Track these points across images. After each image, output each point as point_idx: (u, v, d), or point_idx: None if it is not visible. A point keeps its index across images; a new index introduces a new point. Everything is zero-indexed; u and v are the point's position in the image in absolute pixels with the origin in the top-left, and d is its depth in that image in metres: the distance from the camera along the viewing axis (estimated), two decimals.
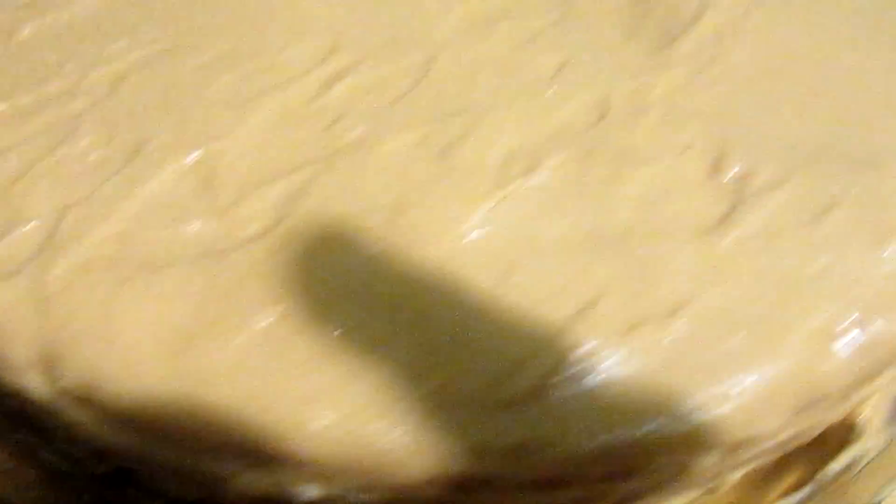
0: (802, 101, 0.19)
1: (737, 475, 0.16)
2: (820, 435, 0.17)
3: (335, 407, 0.13)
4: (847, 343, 0.14)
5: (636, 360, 0.14)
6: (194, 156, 0.16)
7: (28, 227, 0.15)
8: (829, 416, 0.16)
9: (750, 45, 0.20)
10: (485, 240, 0.15)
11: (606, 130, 0.17)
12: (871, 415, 0.18)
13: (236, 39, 0.19)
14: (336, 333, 0.14)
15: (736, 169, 0.17)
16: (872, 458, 0.18)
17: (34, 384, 0.14)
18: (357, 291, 0.14)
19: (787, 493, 0.17)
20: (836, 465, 0.17)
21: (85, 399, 0.14)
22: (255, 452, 0.13)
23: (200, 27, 0.20)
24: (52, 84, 0.18)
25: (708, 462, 0.14)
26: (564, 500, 0.14)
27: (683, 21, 0.21)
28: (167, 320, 0.14)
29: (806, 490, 0.17)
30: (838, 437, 0.18)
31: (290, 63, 0.19)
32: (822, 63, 0.20)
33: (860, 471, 0.18)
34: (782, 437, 0.15)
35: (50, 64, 0.19)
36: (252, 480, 0.13)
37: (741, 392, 0.14)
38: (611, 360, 0.14)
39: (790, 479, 0.17)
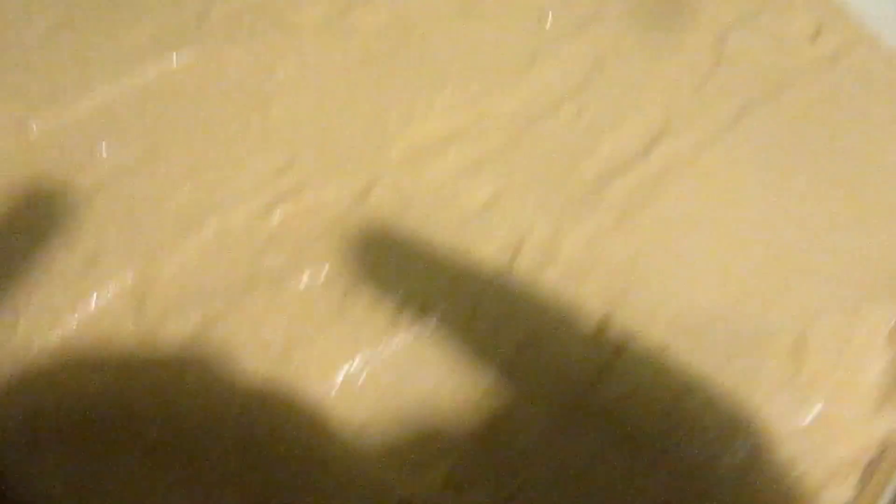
0: (708, 265, 0.20)
1: None
2: None
3: None
4: None
5: None
6: (134, 273, 0.19)
7: None
8: None
9: (680, 193, 0.21)
10: (361, 384, 0.18)
11: (508, 277, 0.19)
12: None
13: (208, 148, 0.22)
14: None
15: (618, 330, 0.18)
16: None
17: None
18: (238, 425, 0.17)
19: None
20: None
21: None
22: None
23: (182, 133, 0.22)
24: None
25: None
26: None
27: (623, 157, 0.22)
28: None
29: None
30: None
31: (245, 177, 0.21)
32: (742, 225, 0.21)
33: None
34: None
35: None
36: None
37: None
38: None
39: None
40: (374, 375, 0.18)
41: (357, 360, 0.18)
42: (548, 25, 0.27)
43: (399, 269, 0.19)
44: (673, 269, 0.20)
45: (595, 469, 0.17)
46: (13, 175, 0.21)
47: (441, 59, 0.25)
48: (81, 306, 0.18)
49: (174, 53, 0.24)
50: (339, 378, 0.17)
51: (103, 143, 0.22)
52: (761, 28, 0.27)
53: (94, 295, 0.19)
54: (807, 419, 0.17)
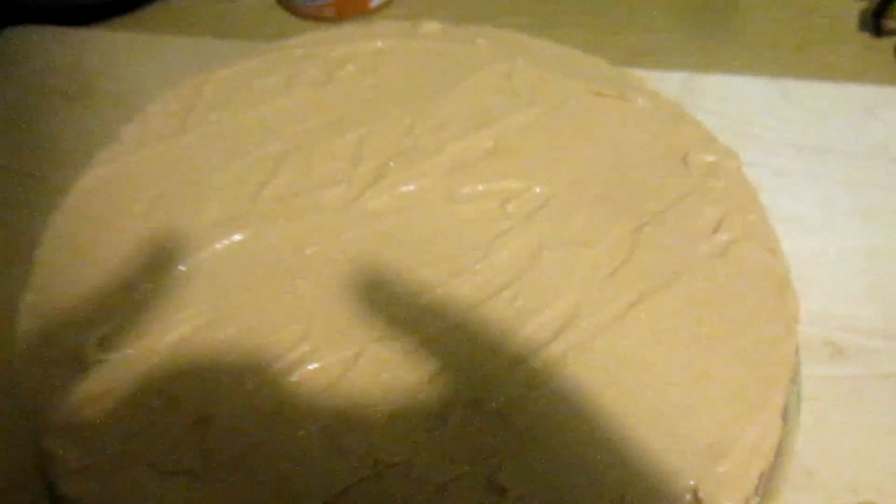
0: (581, 437, 0.29)
1: None
2: None
3: None
4: None
5: None
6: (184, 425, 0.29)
7: None
8: None
9: (574, 375, 0.30)
10: None
11: (434, 440, 0.29)
12: None
13: (252, 320, 0.32)
14: None
15: (504, 486, 0.28)
16: None
17: None
18: None
19: None
20: None
21: None
22: None
23: (232, 305, 0.32)
24: (143, 341, 0.32)
25: None
26: None
27: (540, 341, 0.31)
28: None
29: None
30: None
31: (274, 345, 0.31)
32: (614, 401, 0.30)
33: None
34: None
35: (149, 321, 0.32)
36: None
37: None
38: None
39: None
40: None
41: None
42: (510, 209, 0.36)
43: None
44: (557, 438, 0.29)
45: None
46: None
47: (422, 240, 0.35)
48: None
49: (235, 232, 0.35)
50: None
51: (187, 309, 0.32)
52: (672, 220, 0.35)
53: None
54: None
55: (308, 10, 0.61)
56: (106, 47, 0.57)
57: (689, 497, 0.27)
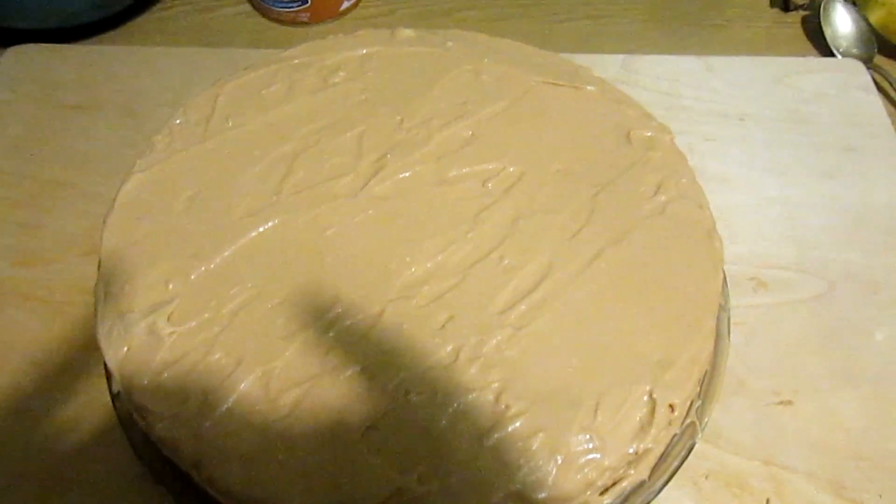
0: (562, 359, 0.37)
1: None
2: None
3: None
4: None
5: None
6: (253, 377, 0.37)
7: None
8: None
9: (552, 314, 0.38)
10: None
11: (449, 369, 0.37)
12: None
13: (292, 291, 0.39)
14: None
15: (506, 403, 0.36)
16: None
17: None
18: None
19: None
20: None
21: None
22: None
23: (274, 280, 0.40)
24: (204, 315, 0.39)
25: None
26: None
27: (524, 290, 0.39)
28: None
29: None
30: None
31: (313, 308, 0.39)
32: (583, 331, 0.38)
33: None
34: None
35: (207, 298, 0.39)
36: None
37: None
38: None
39: None
40: None
41: None
42: (490, 186, 0.44)
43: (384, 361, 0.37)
44: (543, 361, 0.37)
45: None
46: None
47: (422, 217, 0.42)
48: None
49: (266, 221, 0.42)
50: None
51: (236, 286, 0.40)
52: (621, 187, 0.44)
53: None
54: (596, 444, 0.35)
55: (284, 17, 0.67)
56: (104, 61, 0.63)
57: (646, 398, 0.36)
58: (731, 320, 0.45)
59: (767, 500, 0.41)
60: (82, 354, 0.45)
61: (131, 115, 0.58)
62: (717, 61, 0.64)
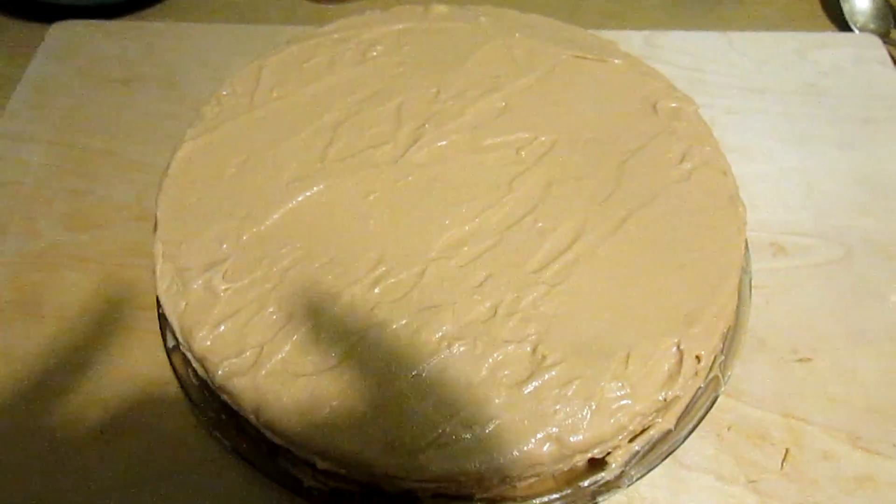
0: (594, 313, 0.39)
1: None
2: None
3: None
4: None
5: None
6: (304, 329, 0.39)
7: None
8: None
9: (584, 272, 0.41)
10: None
11: (488, 324, 0.39)
12: (613, 459, 0.40)
13: (338, 252, 0.42)
14: None
15: (542, 353, 0.38)
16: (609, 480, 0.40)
17: None
18: None
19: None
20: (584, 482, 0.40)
21: None
22: None
23: (320, 242, 0.42)
24: (257, 273, 0.41)
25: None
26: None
27: (557, 250, 0.42)
28: None
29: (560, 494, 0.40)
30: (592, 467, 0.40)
31: (358, 268, 0.41)
32: (614, 288, 0.40)
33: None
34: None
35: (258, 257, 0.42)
36: None
37: None
38: None
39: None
40: None
41: None
42: (523, 154, 0.46)
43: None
44: (577, 315, 0.39)
45: None
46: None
47: (459, 182, 0.44)
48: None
49: (312, 186, 0.44)
50: None
51: (286, 246, 0.42)
52: (648, 155, 0.46)
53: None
54: (627, 391, 0.37)
55: None
56: (145, 36, 0.65)
57: (674, 350, 0.38)
58: (752, 283, 0.47)
59: (787, 450, 0.43)
60: (134, 312, 0.48)
61: (173, 88, 0.60)
62: (738, 37, 0.65)
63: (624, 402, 0.36)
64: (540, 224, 0.42)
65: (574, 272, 0.41)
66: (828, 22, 0.70)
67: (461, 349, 0.37)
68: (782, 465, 0.43)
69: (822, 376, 0.46)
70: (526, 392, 0.36)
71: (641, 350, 0.38)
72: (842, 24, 0.69)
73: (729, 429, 0.44)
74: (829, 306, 0.49)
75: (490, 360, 0.37)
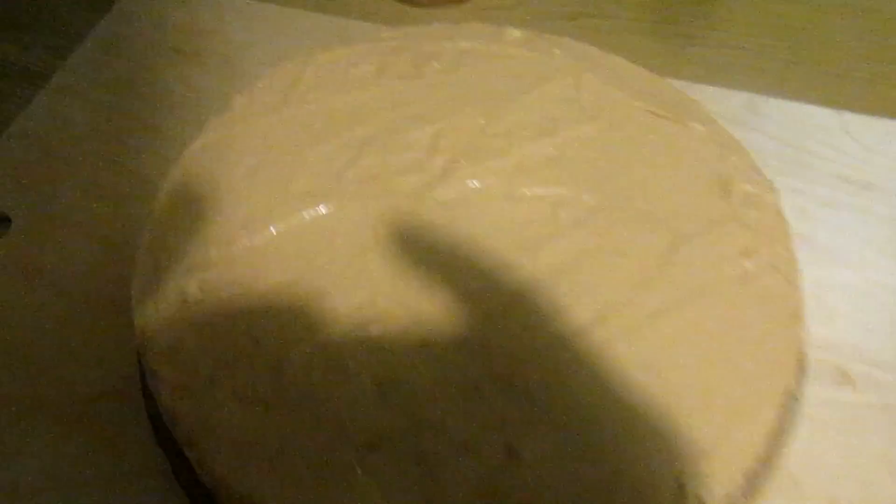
0: (591, 431, 0.34)
1: None
2: None
3: None
4: None
5: None
6: (266, 363, 0.35)
7: None
8: None
9: (592, 370, 0.35)
10: None
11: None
12: None
13: (328, 283, 0.38)
14: None
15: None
16: None
17: None
18: None
19: None
20: None
21: None
22: None
23: (312, 268, 0.38)
24: (235, 289, 0.38)
25: None
26: None
27: (565, 336, 0.36)
28: None
29: None
30: None
31: (344, 306, 0.37)
32: (623, 394, 0.34)
33: None
34: None
35: (242, 272, 0.38)
36: None
37: None
38: None
39: None
40: None
41: None
42: (562, 214, 0.40)
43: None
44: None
45: None
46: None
47: (481, 234, 0.39)
48: None
49: (320, 204, 0.40)
50: None
51: (275, 266, 0.38)
52: (705, 243, 0.39)
53: None
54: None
55: None
56: (219, 9, 0.63)
57: (672, 483, 0.32)
58: (801, 412, 0.40)
59: None
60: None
61: (229, 67, 0.58)
62: (855, 119, 0.57)
63: None
64: (557, 301, 0.37)
65: (583, 364, 0.35)
66: None
67: (426, 434, 0.33)
68: None
69: None
70: None
71: (631, 474, 0.32)
72: None
73: None
74: (890, 458, 0.41)
75: (457, 452, 0.32)
